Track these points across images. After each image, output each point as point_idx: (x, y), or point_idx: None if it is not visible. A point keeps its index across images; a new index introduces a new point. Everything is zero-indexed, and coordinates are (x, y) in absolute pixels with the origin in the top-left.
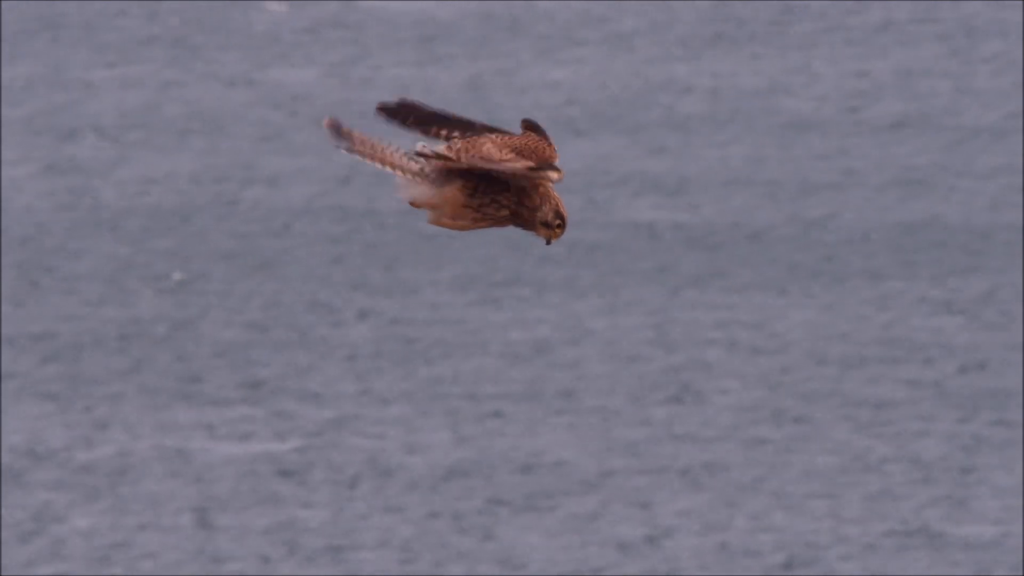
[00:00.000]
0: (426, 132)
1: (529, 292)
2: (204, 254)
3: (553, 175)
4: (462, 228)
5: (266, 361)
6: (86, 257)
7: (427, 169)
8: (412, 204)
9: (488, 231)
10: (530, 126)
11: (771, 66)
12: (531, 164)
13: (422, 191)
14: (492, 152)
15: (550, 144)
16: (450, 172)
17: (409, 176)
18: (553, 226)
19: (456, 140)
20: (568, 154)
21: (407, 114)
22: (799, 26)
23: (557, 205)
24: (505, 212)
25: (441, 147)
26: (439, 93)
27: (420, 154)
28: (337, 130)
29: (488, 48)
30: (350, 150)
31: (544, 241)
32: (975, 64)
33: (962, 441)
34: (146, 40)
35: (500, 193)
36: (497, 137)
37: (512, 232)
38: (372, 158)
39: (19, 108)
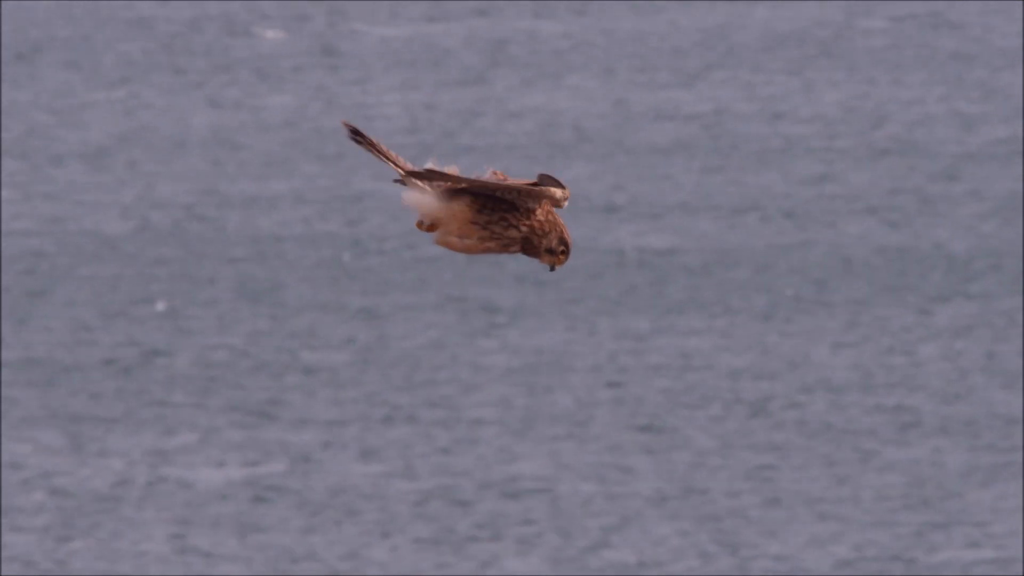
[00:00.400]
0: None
1: (512, 318)
2: (191, 279)
3: (557, 192)
4: (469, 249)
5: (252, 386)
6: (73, 282)
7: (434, 187)
8: (419, 224)
9: (484, 257)
10: (547, 179)
11: (758, 93)
12: (532, 182)
13: (430, 203)
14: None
15: (563, 188)
16: (458, 190)
17: (418, 184)
18: (557, 252)
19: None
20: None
21: (431, 174)
22: (787, 53)
23: (562, 232)
24: (514, 232)
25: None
26: (430, 117)
27: (429, 171)
28: (355, 131)
29: (478, 74)
30: (364, 146)
31: (548, 268)
32: (963, 91)
33: (948, 467)
34: (140, 65)
35: (508, 212)
36: (512, 182)
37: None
38: (385, 157)
39: (8, 132)
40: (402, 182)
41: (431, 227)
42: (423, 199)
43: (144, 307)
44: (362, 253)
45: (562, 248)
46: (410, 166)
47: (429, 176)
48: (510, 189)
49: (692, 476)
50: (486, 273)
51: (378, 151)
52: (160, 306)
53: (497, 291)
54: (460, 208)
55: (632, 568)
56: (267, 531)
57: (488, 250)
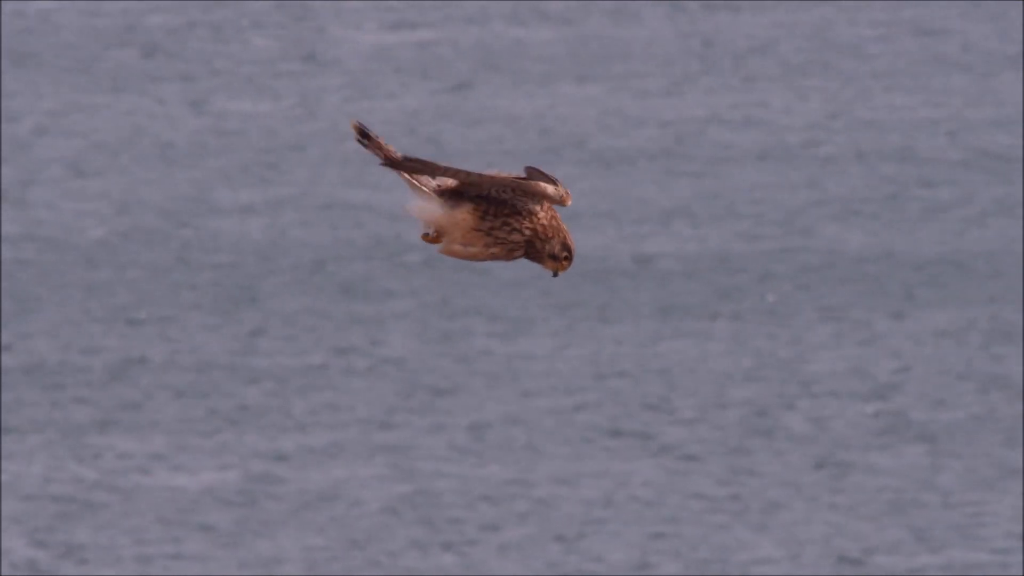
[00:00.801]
0: (432, 176)
1: (496, 323)
2: (176, 285)
3: (549, 188)
4: (474, 256)
5: (235, 392)
6: (56, 289)
7: (439, 190)
8: (423, 236)
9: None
10: (534, 172)
11: (744, 99)
12: (521, 176)
13: (433, 209)
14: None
15: (557, 184)
16: (460, 196)
17: (423, 189)
18: (560, 258)
19: (464, 175)
20: None
21: (412, 163)
22: (772, 60)
23: (565, 238)
24: (517, 236)
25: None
26: (418, 124)
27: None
28: (363, 133)
29: (466, 80)
30: (370, 149)
31: (551, 273)
32: (948, 97)
33: (933, 471)
34: (127, 71)
35: (511, 217)
36: (505, 174)
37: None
38: (388, 161)
39: None
40: (400, 173)
41: (436, 237)
42: (427, 208)
43: (127, 313)
44: (348, 260)
45: (565, 254)
46: (398, 155)
47: (409, 166)
48: (504, 185)
49: (674, 480)
50: (470, 280)
51: (388, 155)
52: (143, 312)
53: (481, 297)
54: (463, 216)
55: (616, 569)
56: (248, 535)
57: (493, 256)
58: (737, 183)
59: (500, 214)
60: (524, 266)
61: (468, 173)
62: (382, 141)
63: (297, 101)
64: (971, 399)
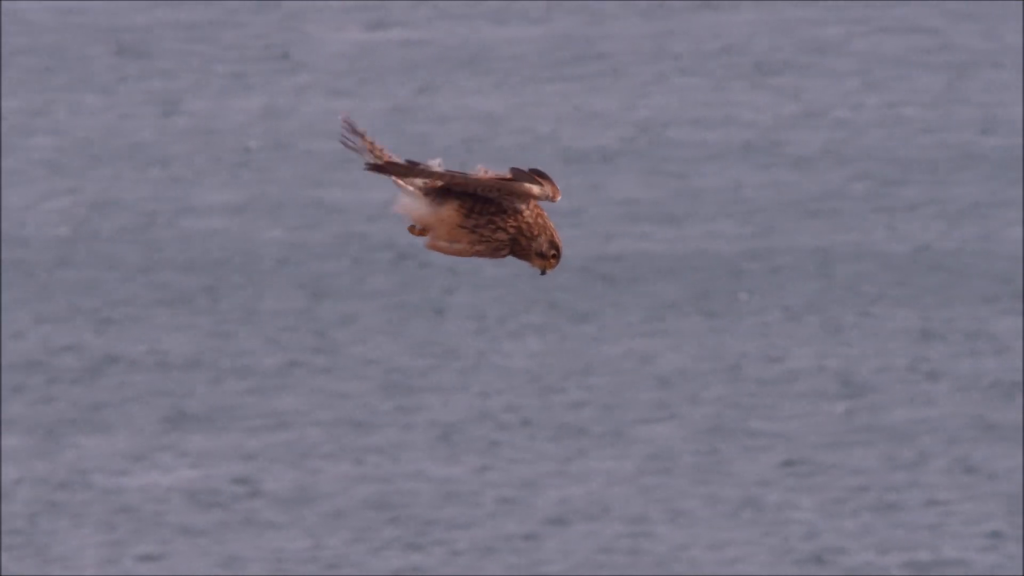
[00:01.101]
0: (416, 177)
1: (454, 323)
2: (152, 285)
3: (535, 189)
4: (459, 253)
5: (192, 392)
6: (26, 287)
7: (425, 187)
8: (409, 228)
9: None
10: (520, 173)
11: (713, 99)
12: (506, 176)
13: (419, 207)
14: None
15: (552, 183)
16: (446, 193)
17: (409, 188)
18: (548, 256)
19: (448, 176)
20: None
21: (396, 167)
22: (741, 60)
23: (552, 236)
24: (502, 234)
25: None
26: (384, 122)
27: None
28: (351, 127)
29: (438, 80)
30: (358, 147)
31: (539, 271)
32: (916, 96)
33: (906, 469)
34: (100, 71)
35: (496, 215)
36: (494, 174)
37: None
38: (377, 159)
39: None
40: (385, 176)
41: (422, 231)
42: (413, 204)
43: (99, 312)
44: (321, 259)
45: (553, 252)
46: (388, 155)
47: (389, 169)
48: (488, 186)
49: (646, 478)
50: (444, 278)
51: (378, 155)
52: (116, 311)
53: (455, 296)
54: (448, 213)
55: (587, 569)
56: (221, 535)
57: (479, 253)
58: (710, 182)
59: (485, 212)
60: (499, 264)
61: (453, 175)
62: (368, 138)
63: (271, 100)
64: (944, 398)
